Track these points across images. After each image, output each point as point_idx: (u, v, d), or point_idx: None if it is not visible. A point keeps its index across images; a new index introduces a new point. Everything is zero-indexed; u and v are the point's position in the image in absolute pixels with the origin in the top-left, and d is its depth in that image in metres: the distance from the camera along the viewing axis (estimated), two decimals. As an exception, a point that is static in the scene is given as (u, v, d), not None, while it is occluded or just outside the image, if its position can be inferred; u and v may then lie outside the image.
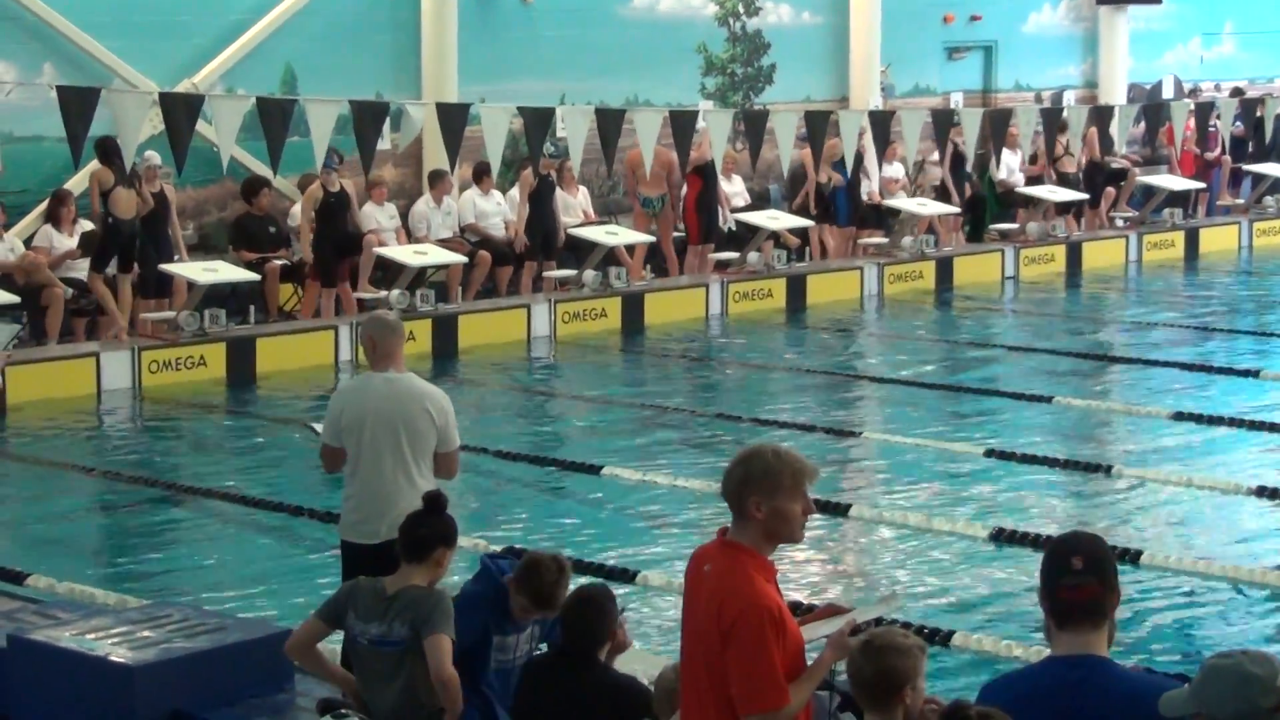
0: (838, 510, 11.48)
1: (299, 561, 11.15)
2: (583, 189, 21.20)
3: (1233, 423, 14.15)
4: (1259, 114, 25.75)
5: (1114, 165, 25.12)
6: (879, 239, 22.54)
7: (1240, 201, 26.50)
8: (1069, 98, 27.54)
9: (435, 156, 19.67)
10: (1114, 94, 27.58)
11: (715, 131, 20.41)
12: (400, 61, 20.92)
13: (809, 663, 5.22)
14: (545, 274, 19.92)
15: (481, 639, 6.86)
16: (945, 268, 22.41)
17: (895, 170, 23.17)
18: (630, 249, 20.67)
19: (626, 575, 10.16)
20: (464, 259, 19.24)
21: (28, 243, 17.65)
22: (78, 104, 16.12)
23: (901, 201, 22.90)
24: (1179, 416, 14.41)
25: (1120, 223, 25.06)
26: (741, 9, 24.24)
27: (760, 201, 23.18)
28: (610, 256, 20.23)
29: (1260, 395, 15.47)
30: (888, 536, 11.44)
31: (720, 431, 14.65)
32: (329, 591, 7.68)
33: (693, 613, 5.25)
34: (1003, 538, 11.02)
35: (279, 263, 18.63)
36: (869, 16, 24.80)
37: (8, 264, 17.05)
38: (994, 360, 17.78)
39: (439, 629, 6.41)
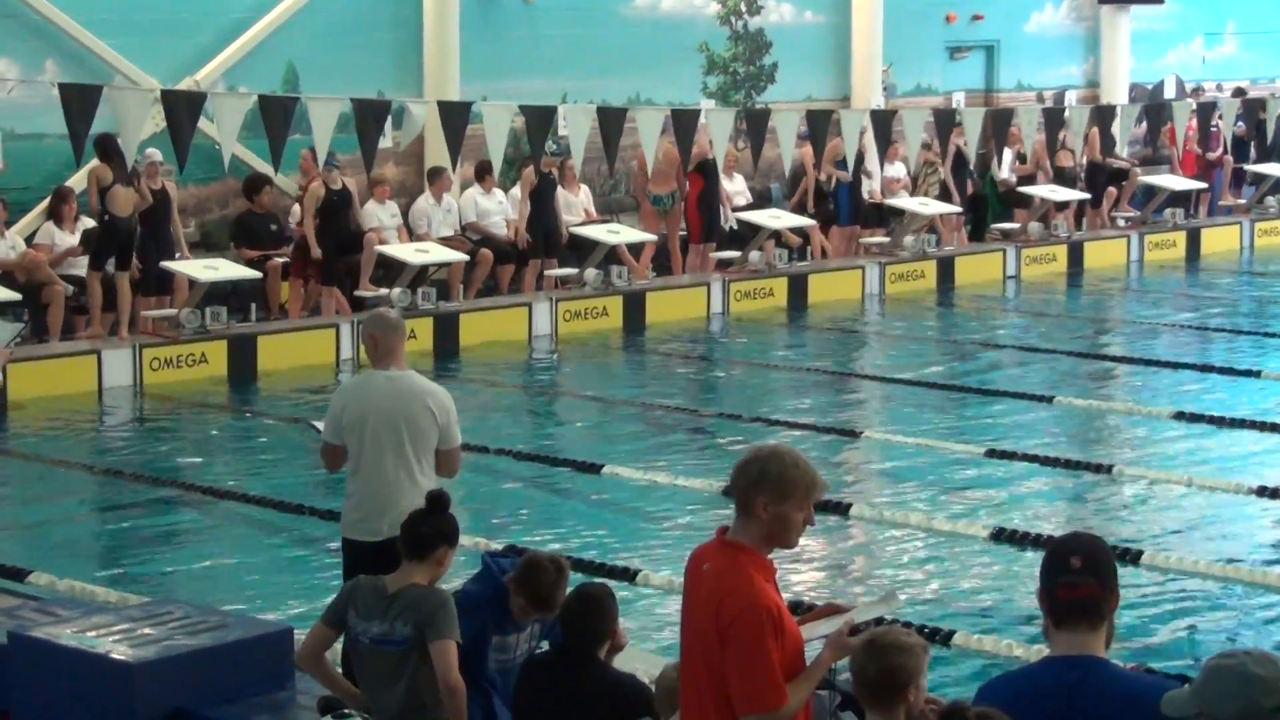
0: (838, 510, 11.48)
1: (300, 559, 11.16)
2: (584, 187, 21.20)
3: (1234, 423, 14.15)
4: (1261, 114, 25.74)
5: (1115, 165, 25.12)
6: (880, 238, 22.54)
7: (1242, 202, 26.50)
8: (1071, 97, 27.54)
9: (437, 155, 19.67)
10: (1116, 94, 27.58)
11: (717, 130, 20.42)
12: (402, 59, 20.92)
13: (808, 662, 5.22)
14: (547, 272, 19.92)
15: (481, 639, 6.87)
16: (947, 267, 22.41)
17: (897, 170, 23.17)
18: (637, 249, 20.68)
19: (627, 574, 10.16)
20: (465, 257, 19.24)
21: (29, 240, 17.66)
22: (80, 101, 16.13)
23: (903, 201, 22.90)
24: (1180, 416, 14.40)
25: (1122, 222, 25.06)
26: (743, 8, 24.23)
27: (762, 200, 23.19)
28: (612, 255, 20.23)
29: (1261, 395, 15.47)
30: (888, 536, 11.45)
31: (721, 431, 14.65)
32: (330, 590, 7.70)
33: (692, 612, 5.25)
34: (1003, 538, 11.02)
35: (280, 260, 18.63)
36: (871, 16, 24.80)
37: (8, 261, 17.06)
38: (995, 360, 17.78)
39: (444, 634, 6.40)
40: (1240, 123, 26.18)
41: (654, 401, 15.75)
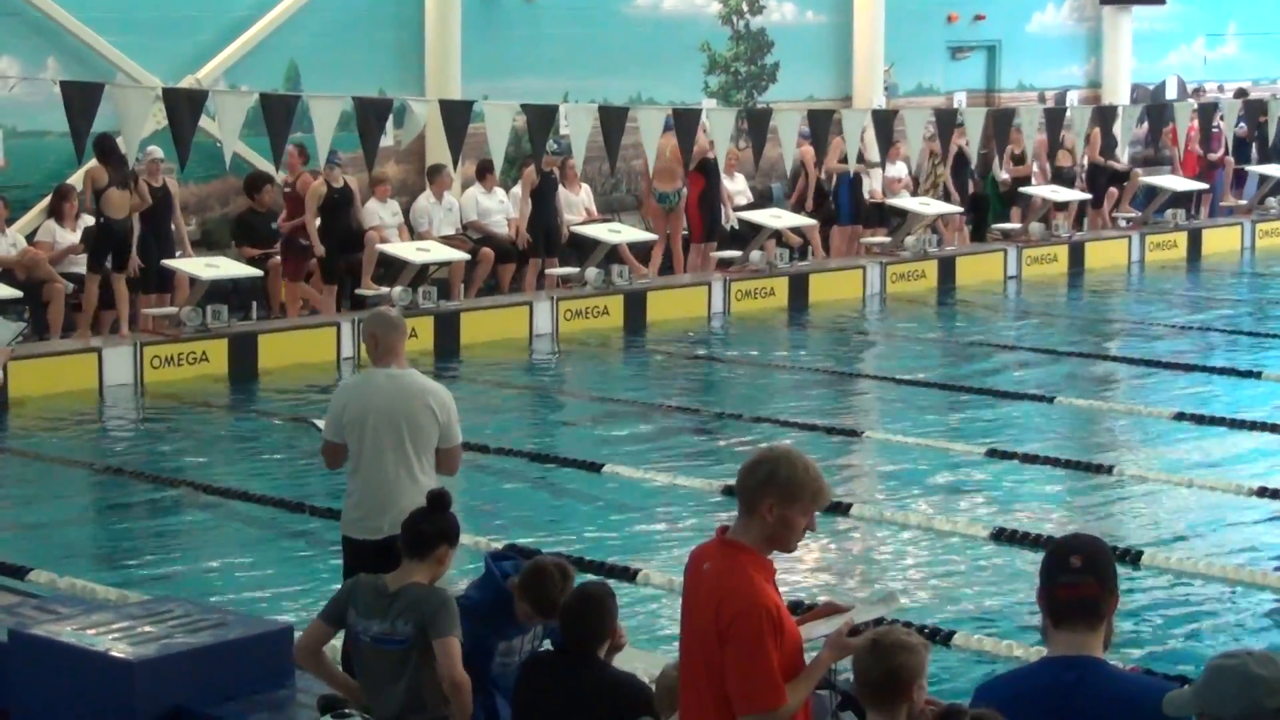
0: (838, 510, 11.47)
1: (300, 557, 11.17)
2: (585, 186, 21.21)
3: (1234, 424, 14.15)
4: (1262, 116, 25.73)
5: (1114, 168, 25.12)
6: (882, 238, 22.54)
7: (1243, 202, 26.50)
8: (1072, 98, 27.54)
9: (438, 153, 19.67)
10: (1117, 94, 27.58)
11: (718, 130, 20.44)
12: (404, 58, 20.93)
13: (807, 662, 5.22)
14: (547, 271, 19.92)
15: (486, 644, 6.87)
16: (948, 267, 22.41)
17: (898, 170, 23.17)
18: (642, 248, 20.67)
19: (627, 573, 10.16)
20: (466, 256, 19.24)
21: (30, 238, 17.67)
22: (81, 99, 16.13)
23: (904, 201, 22.90)
24: (1181, 417, 14.40)
25: (1123, 223, 25.06)
26: (745, 7, 24.24)
27: (763, 200, 23.19)
28: (613, 254, 20.23)
29: (1262, 396, 15.46)
30: (888, 536, 11.45)
31: (722, 431, 14.66)
32: (330, 588, 7.70)
33: (691, 611, 5.25)
34: (1003, 538, 11.02)
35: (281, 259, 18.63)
36: (872, 15, 24.81)
37: (9, 259, 17.06)
38: (996, 360, 17.78)
39: (447, 632, 6.40)
40: (1242, 124, 26.17)
41: (654, 401, 15.75)
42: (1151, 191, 25.47)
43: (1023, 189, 24.05)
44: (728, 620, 5.05)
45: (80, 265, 17.32)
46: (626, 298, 19.73)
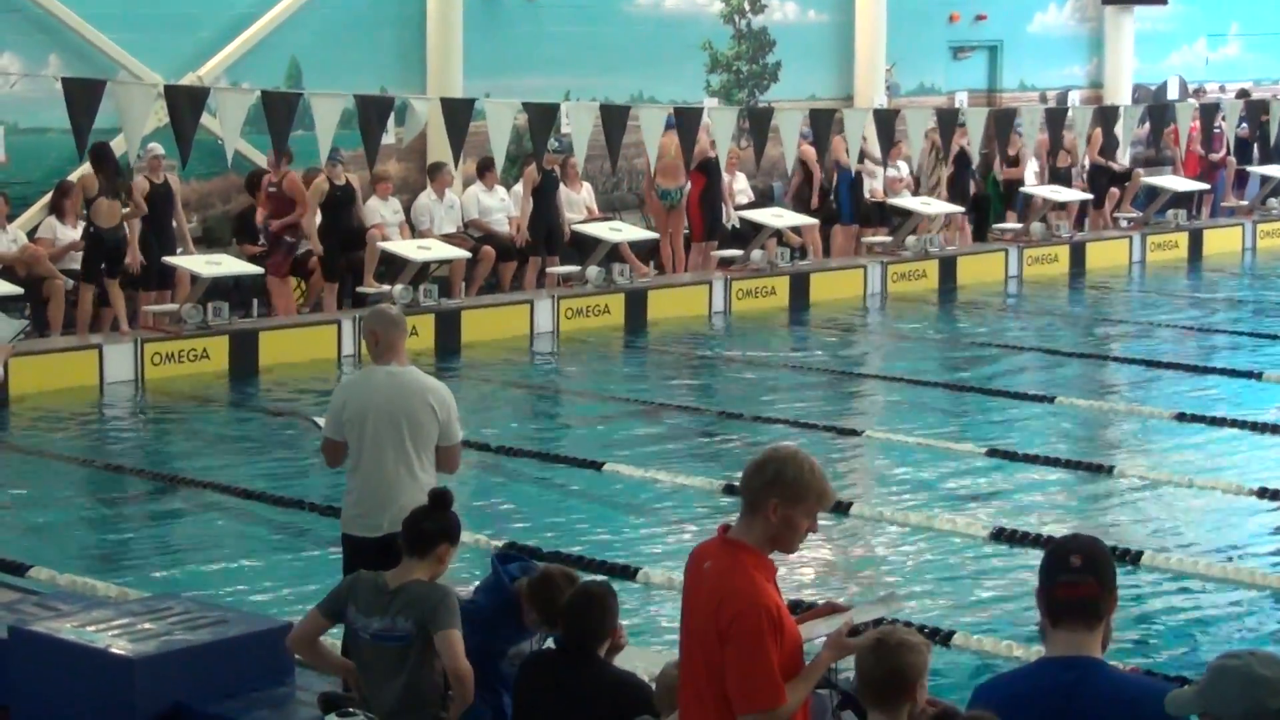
0: (838, 509, 11.47)
1: (300, 555, 11.16)
2: (586, 185, 21.21)
3: (1235, 424, 14.15)
4: (1264, 116, 25.73)
5: (1114, 169, 25.12)
6: (883, 237, 22.55)
7: (1244, 203, 26.49)
8: (1074, 98, 27.53)
9: (439, 152, 19.67)
10: (1119, 94, 27.58)
11: (720, 129, 20.44)
12: (405, 56, 20.93)
13: (807, 662, 5.22)
14: (548, 270, 19.92)
15: (496, 649, 6.88)
16: (949, 267, 22.40)
17: (899, 169, 23.17)
18: (645, 247, 20.67)
19: (627, 572, 10.17)
20: (467, 254, 19.24)
21: (31, 235, 17.67)
22: (83, 96, 16.13)
23: (906, 200, 22.90)
24: (1181, 418, 14.40)
25: (1124, 223, 25.06)
26: (747, 6, 24.24)
27: (764, 199, 23.19)
28: (614, 253, 20.23)
29: (1262, 397, 15.46)
30: (888, 536, 11.45)
31: (722, 429, 14.66)
32: (330, 585, 7.69)
33: (692, 610, 5.25)
34: (1003, 538, 11.02)
35: (294, 252, 18.61)
36: (874, 15, 24.81)
37: (9, 256, 17.06)
38: (996, 360, 17.78)
39: (447, 625, 6.42)
40: (1243, 124, 26.16)
41: (655, 400, 15.75)
42: (1153, 192, 25.47)
43: (1024, 189, 24.05)
44: (728, 619, 5.05)
45: (80, 262, 17.32)
46: (627, 296, 19.73)
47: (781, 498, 5.15)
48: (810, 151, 22.08)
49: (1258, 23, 29.99)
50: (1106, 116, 24.09)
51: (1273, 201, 26.17)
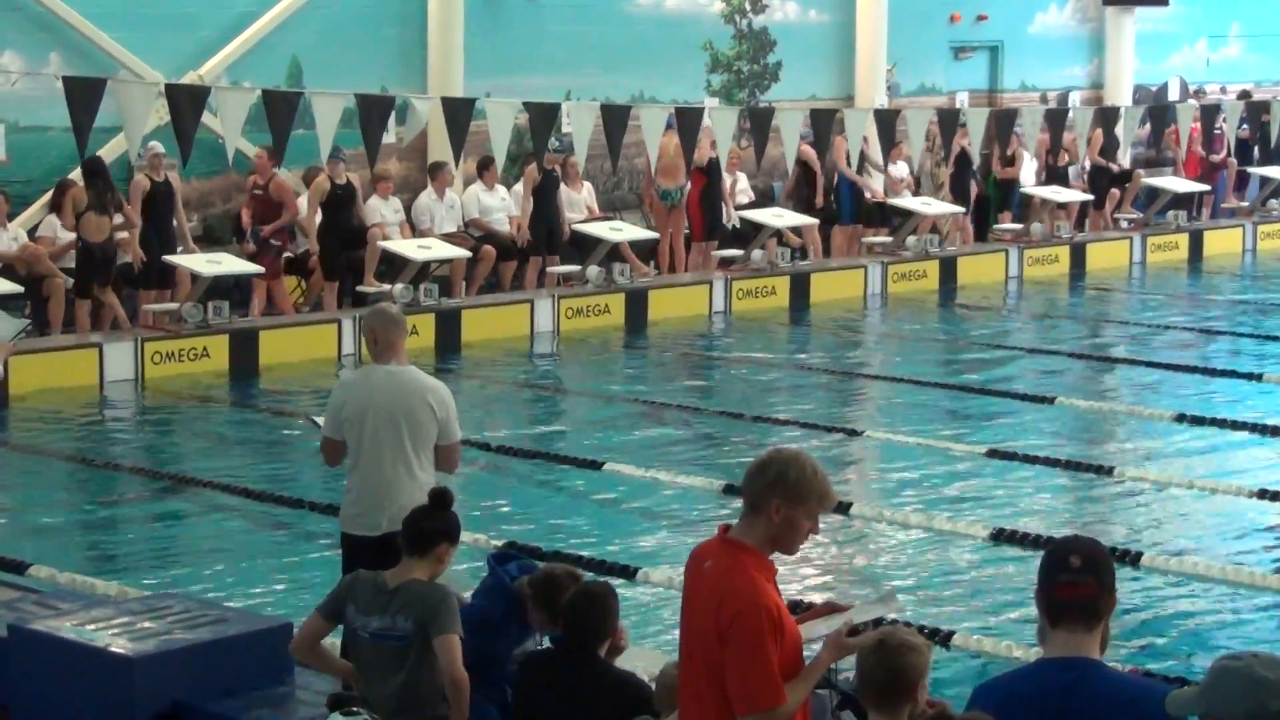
0: (838, 509, 11.47)
1: (300, 554, 11.16)
2: (587, 185, 21.20)
3: (1235, 425, 14.14)
4: (1265, 117, 25.73)
5: (1114, 170, 25.13)
6: (883, 238, 22.55)
7: (1245, 204, 26.49)
8: (1075, 98, 27.53)
9: (440, 151, 19.67)
10: (1120, 95, 27.57)
11: (720, 128, 20.44)
12: (406, 55, 20.93)
13: (807, 662, 5.22)
14: (549, 269, 19.92)
15: (502, 653, 6.88)
16: (949, 267, 22.40)
17: (900, 169, 23.17)
18: (646, 247, 20.67)
19: (627, 571, 10.17)
20: (468, 254, 19.24)
21: (32, 233, 17.67)
22: (84, 94, 16.13)
23: (906, 201, 22.90)
24: (1182, 419, 14.40)
25: (1124, 224, 25.06)
26: (748, 6, 24.24)
27: (765, 199, 23.19)
28: (614, 252, 20.23)
29: (1263, 398, 15.46)
30: (888, 536, 11.45)
31: (722, 429, 14.66)
32: (330, 584, 7.68)
33: (692, 610, 5.25)
34: (1003, 538, 11.02)
35: (283, 255, 18.62)
36: (875, 15, 24.80)
37: (9, 254, 17.06)
38: (996, 360, 17.78)
39: (448, 629, 6.40)
40: (1244, 125, 26.16)
41: (655, 399, 15.75)
42: (1153, 193, 25.46)
43: (1024, 189, 24.04)
44: (728, 619, 5.05)
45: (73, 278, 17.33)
46: (627, 296, 19.73)
47: (784, 499, 5.15)
48: (810, 151, 22.08)
49: (1258, 24, 29.99)
50: (1107, 117, 24.08)
51: (1273, 203, 26.16)
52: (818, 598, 9.14)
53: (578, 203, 20.84)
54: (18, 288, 16.53)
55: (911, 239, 22.25)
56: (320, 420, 8.56)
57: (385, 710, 6.48)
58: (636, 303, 19.76)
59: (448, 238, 19.44)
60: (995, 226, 23.78)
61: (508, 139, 18.87)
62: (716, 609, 5.09)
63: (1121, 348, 18.53)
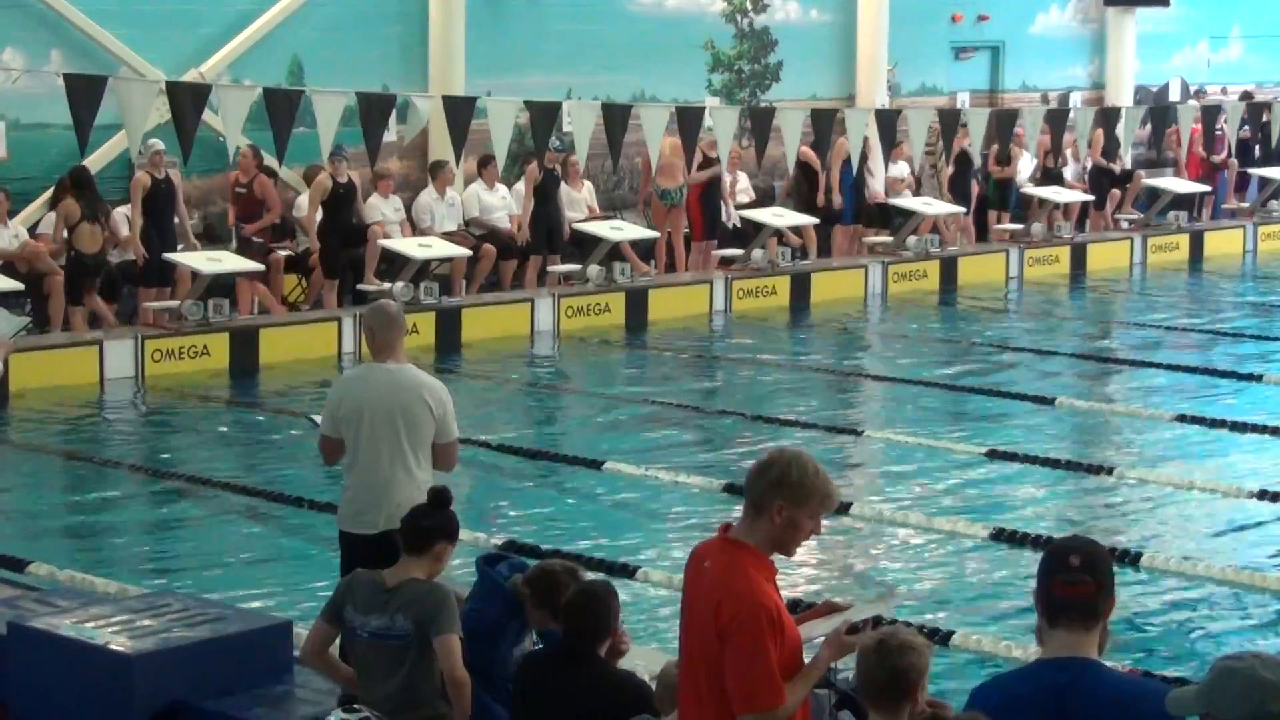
0: (838, 509, 11.45)
1: (300, 552, 11.16)
2: (588, 184, 21.19)
3: (1235, 426, 14.14)
4: (1265, 118, 25.73)
5: (1117, 168, 25.13)
6: (884, 237, 22.54)
7: (1245, 205, 26.49)
8: (1075, 99, 27.51)
9: (441, 149, 19.67)
10: (1121, 96, 27.56)
11: (721, 128, 20.44)
12: (407, 54, 20.92)
13: (806, 662, 5.21)
14: (549, 268, 19.92)
15: (503, 654, 6.87)
16: (949, 267, 22.40)
17: (901, 169, 23.17)
18: (649, 246, 20.70)
19: (627, 571, 10.16)
20: (468, 252, 19.23)
21: (33, 230, 17.66)
22: (85, 92, 16.13)
23: (907, 200, 22.89)
24: (1182, 419, 14.40)
25: (1125, 225, 25.05)
26: (749, 6, 24.22)
27: (765, 199, 23.18)
28: (614, 251, 20.22)
29: (1263, 399, 15.46)
30: (888, 536, 11.45)
31: (722, 429, 14.66)
32: (329, 583, 7.69)
33: (691, 610, 5.24)
34: (1003, 538, 11.02)
35: (283, 254, 18.63)
36: (876, 15, 24.78)
37: (10, 252, 17.06)
38: (997, 361, 17.77)
39: (448, 629, 6.40)
40: (1245, 126, 26.15)
41: (655, 398, 15.75)
42: (1154, 193, 25.46)
43: (1025, 190, 24.03)
44: (727, 619, 5.05)
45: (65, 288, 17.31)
46: (628, 295, 19.73)
47: (786, 499, 5.15)
48: (810, 153, 22.07)
49: (1259, 25, 29.98)
50: (1108, 118, 24.08)
51: (1274, 204, 26.17)
52: (817, 597, 9.15)
53: (578, 202, 20.84)
54: (18, 285, 16.53)
55: (912, 239, 22.26)
56: (318, 419, 8.55)
57: (384, 710, 6.48)
58: (637, 302, 19.75)
59: (448, 236, 19.43)
60: (995, 226, 23.76)
61: (509, 138, 18.87)
62: (716, 608, 5.09)
63: (1122, 348, 18.53)
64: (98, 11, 18.77)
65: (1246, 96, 27.28)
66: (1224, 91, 28.76)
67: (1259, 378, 16.19)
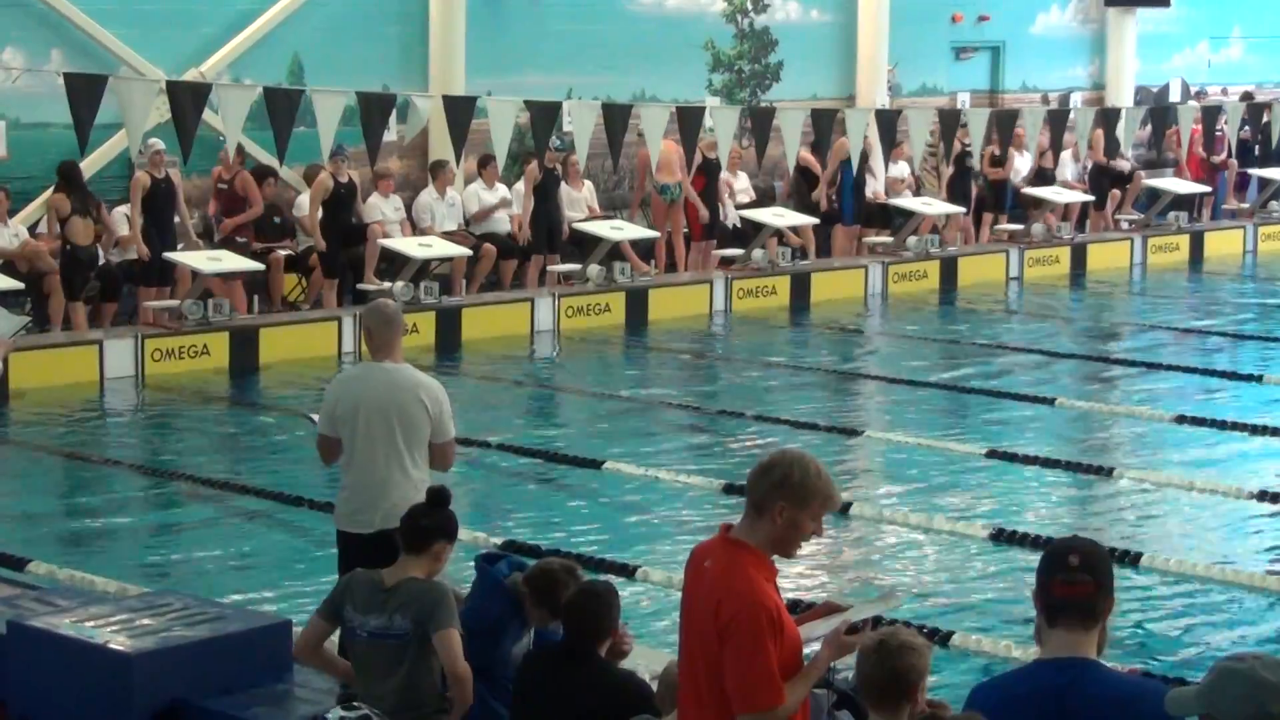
0: (838, 509, 11.46)
1: (299, 551, 11.16)
2: (588, 183, 21.19)
3: (1235, 427, 14.14)
4: (1265, 118, 25.73)
5: (1116, 168, 25.12)
6: (884, 238, 22.54)
7: (1245, 206, 26.49)
8: (1076, 99, 27.52)
9: (441, 149, 19.67)
10: (1121, 96, 27.57)
11: (721, 128, 20.45)
12: (408, 54, 20.92)
13: (806, 662, 5.21)
14: (549, 268, 19.92)
15: (504, 653, 6.88)
16: (950, 268, 22.40)
17: (901, 169, 23.16)
18: (650, 246, 20.70)
19: (627, 570, 10.16)
20: (468, 252, 19.23)
21: (33, 230, 17.66)
22: (85, 91, 16.13)
23: (907, 200, 22.89)
24: (1182, 420, 14.40)
25: (1125, 225, 25.05)
26: (750, 6, 24.22)
27: (765, 199, 23.18)
28: (615, 251, 20.22)
29: (1263, 400, 15.46)
30: (888, 536, 11.45)
31: (722, 428, 14.65)
32: (328, 582, 7.69)
33: (692, 609, 5.24)
34: (1003, 538, 11.03)
35: (283, 253, 18.63)
36: (877, 15, 24.78)
37: (10, 251, 17.06)
38: (997, 361, 17.77)
39: (447, 625, 6.41)
40: (1245, 127, 26.15)
41: (655, 398, 15.74)
42: (1154, 194, 25.46)
43: (1024, 190, 24.03)
44: (727, 619, 5.05)
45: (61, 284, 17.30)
46: (628, 295, 19.73)
47: (788, 501, 5.14)
48: (809, 156, 22.07)
49: (1260, 26, 29.97)
50: (1108, 118, 24.08)
51: (1274, 204, 26.17)
52: (818, 597, 9.15)
53: (578, 201, 20.83)
54: (18, 284, 16.53)
55: (912, 239, 22.26)
56: (316, 417, 8.55)
57: (384, 709, 6.48)
58: (637, 301, 19.76)
59: (448, 236, 19.43)
60: (995, 227, 23.76)
61: (509, 137, 18.86)
62: (716, 608, 5.09)
63: (1121, 349, 18.52)
64: (98, 11, 18.77)
65: (1247, 97, 27.28)
66: (1224, 92, 28.76)
67: (1259, 378, 16.19)
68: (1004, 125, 22.93)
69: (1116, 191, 25.17)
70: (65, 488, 13.30)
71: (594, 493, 12.63)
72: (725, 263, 21.08)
